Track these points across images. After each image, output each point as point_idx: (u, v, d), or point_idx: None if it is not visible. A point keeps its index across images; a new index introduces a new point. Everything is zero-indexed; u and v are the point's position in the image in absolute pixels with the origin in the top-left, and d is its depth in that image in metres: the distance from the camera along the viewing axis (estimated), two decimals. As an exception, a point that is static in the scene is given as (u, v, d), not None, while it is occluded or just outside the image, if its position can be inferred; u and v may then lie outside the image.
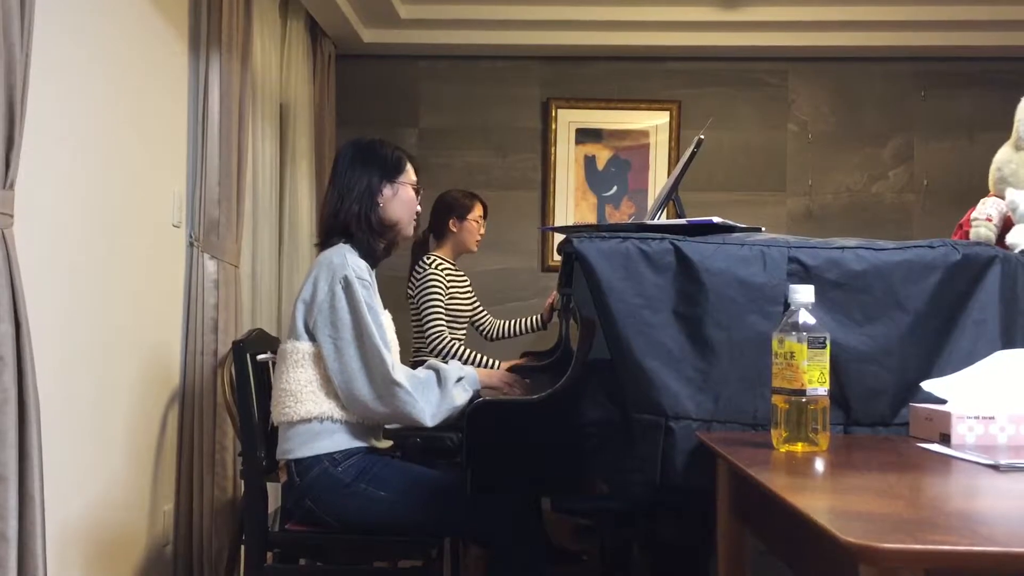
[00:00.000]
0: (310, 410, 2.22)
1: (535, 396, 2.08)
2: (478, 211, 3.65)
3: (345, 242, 2.31)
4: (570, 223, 4.71)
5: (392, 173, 2.37)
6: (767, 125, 4.82)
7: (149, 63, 2.76)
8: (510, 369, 3.18)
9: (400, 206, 2.38)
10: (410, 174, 2.42)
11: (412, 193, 2.41)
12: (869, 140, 4.80)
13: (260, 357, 2.55)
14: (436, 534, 2.33)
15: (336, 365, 2.20)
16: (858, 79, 4.79)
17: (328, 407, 2.22)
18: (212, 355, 2.98)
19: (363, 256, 2.31)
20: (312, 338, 2.24)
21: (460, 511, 2.24)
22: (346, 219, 2.32)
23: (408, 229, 2.43)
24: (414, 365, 2.98)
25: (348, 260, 2.24)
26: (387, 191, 2.36)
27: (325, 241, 2.35)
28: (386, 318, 2.33)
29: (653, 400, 1.75)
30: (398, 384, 2.16)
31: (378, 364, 2.17)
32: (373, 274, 2.34)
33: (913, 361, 1.75)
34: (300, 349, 2.24)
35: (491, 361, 3.32)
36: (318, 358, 2.23)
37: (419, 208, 2.47)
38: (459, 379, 2.27)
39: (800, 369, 1.46)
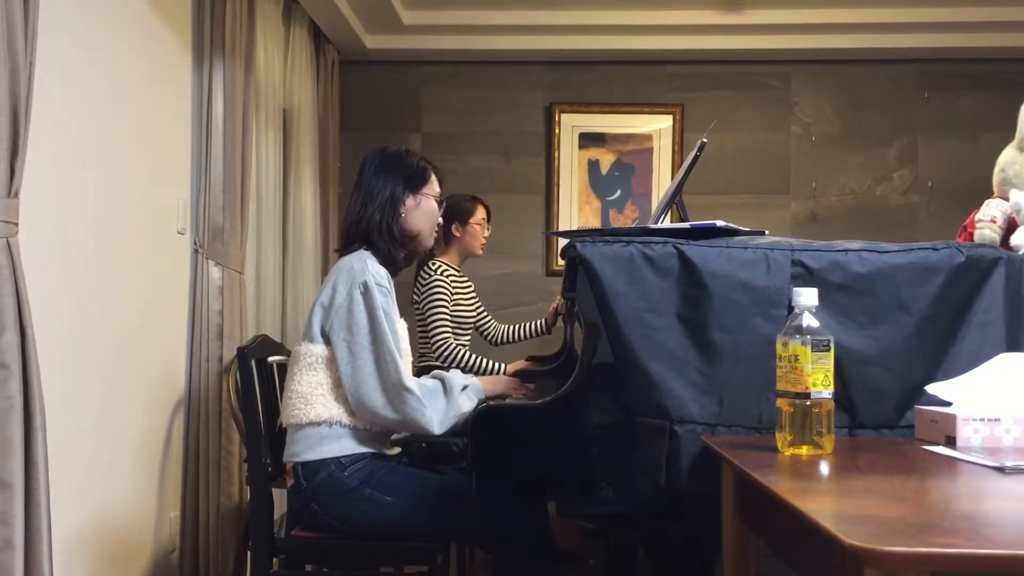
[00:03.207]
0: (319, 413, 2.22)
1: (540, 400, 2.09)
2: (480, 214, 3.65)
3: (366, 249, 2.32)
4: (574, 227, 4.71)
5: (416, 184, 2.37)
6: (770, 128, 4.81)
7: (153, 70, 2.77)
8: (515, 372, 3.18)
9: (422, 217, 2.38)
10: (434, 186, 2.42)
11: (435, 205, 2.41)
12: (873, 142, 4.79)
13: (272, 359, 2.56)
14: (442, 539, 2.33)
15: (349, 369, 2.20)
16: (861, 81, 4.78)
17: (337, 411, 2.23)
18: (217, 361, 2.99)
19: (383, 263, 2.31)
20: (327, 341, 2.24)
21: (466, 516, 2.24)
22: (367, 227, 2.32)
23: (429, 240, 2.44)
24: (419, 371, 2.99)
25: (368, 266, 2.24)
26: (410, 202, 2.36)
27: (346, 247, 2.36)
28: (401, 326, 2.33)
29: (657, 404, 1.75)
30: (409, 391, 2.17)
31: (391, 371, 2.17)
32: (392, 282, 2.34)
33: (918, 363, 1.75)
34: (314, 352, 2.25)
35: (496, 365, 3.32)
36: (331, 362, 2.24)
37: (441, 220, 2.48)
38: (464, 387, 2.27)
39: (804, 372, 1.46)
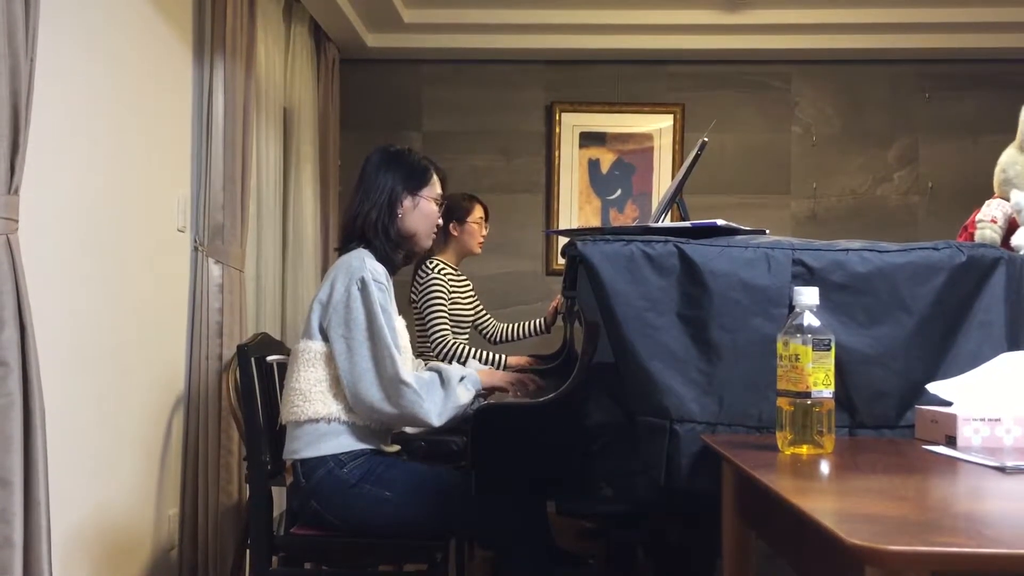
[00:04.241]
0: (318, 410, 2.22)
1: (540, 399, 2.08)
2: (478, 212, 3.65)
3: (364, 247, 2.32)
4: (574, 226, 4.71)
5: (416, 185, 2.37)
6: (771, 128, 4.81)
7: (154, 68, 2.76)
8: (516, 368, 3.18)
9: (420, 219, 2.38)
10: (435, 188, 2.41)
11: (434, 207, 2.40)
12: (873, 142, 4.79)
13: (272, 357, 2.56)
14: (441, 535, 2.33)
15: (346, 364, 2.20)
16: (862, 81, 4.78)
17: (336, 409, 2.23)
18: (217, 359, 2.99)
19: (381, 261, 2.31)
20: (325, 338, 2.24)
21: (465, 512, 2.24)
22: (364, 224, 2.32)
23: (426, 242, 2.43)
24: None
25: (367, 263, 2.25)
26: (408, 202, 2.36)
27: (344, 245, 2.36)
28: (400, 323, 2.33)
29: (657, 403, 1.75)
30: (406, 384, 2.17)
31: (388, 365, 2.17)
32: (390, 279, 2.34)
33: (918, 363, 1.74)
34: (312, 348, 2.25)
35: (497, 357, 3.32)
36: (330, 359, 2.24)
37: (440, 222, 2.47)
38: (461, 378, 2.27)
39: (805, 371, 1.46)
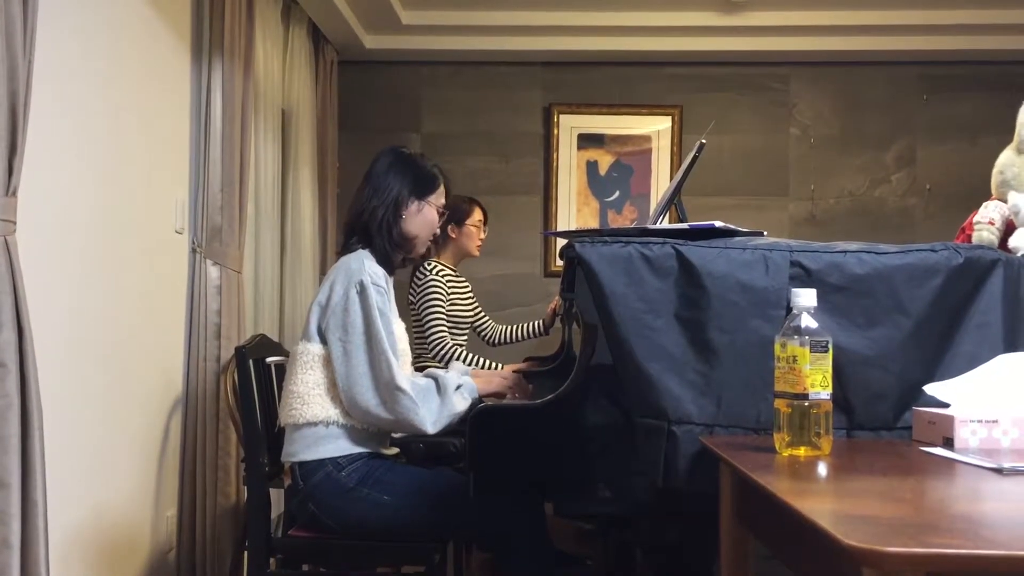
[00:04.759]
0: (316, 413, 2.22)
1: (538, 401, 2.08)
2: (476, 215, 3.65)
3: (366, 246, 2.32)
4: (572, 228, 4.71)
5: (423, 191, 2.39)
6: (769, 129, 4.82)
7: (152, 69, 2.76)
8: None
9: (421, 224, 2.40)
10: (440, 196, 2.43)
11: (436, 215, 2.43)
12: (871, 144, 4.80)
13: (270, 359, 2.56)
14: (439, 538, 2.33)
15: (343, 368, 2.20)
16: (860, 83, 4.79)
17: (334, 412, 2.23)
18: (215, 361, 2.98)
19: (380, 263, 2.32)
20: (324, 341, 2.25)
21: (463, 514, 2.24)
22: (369, 221, 2.34)
23: (422, 248, 2.46)
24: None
25: (366, 266, 2.26)
26: (413, 206, 2.37)
27: (346, 244, 2.37)
28: (399, 327, 2.33)
29: (655, 404, 1.75)
30: (402, 390, 2.17)
31: (384, 370, 2.18)
32: (390, 282, 2.35)
33: (916, 365, 1.74)
34: (311, 351, 2.25)
35: (494, 365, 3.32)
36: (328, 361, 2.24)
37: (438, 230, 2.49)
38: (458, 387, 2.28)
39: (803, 373, 1.46)
